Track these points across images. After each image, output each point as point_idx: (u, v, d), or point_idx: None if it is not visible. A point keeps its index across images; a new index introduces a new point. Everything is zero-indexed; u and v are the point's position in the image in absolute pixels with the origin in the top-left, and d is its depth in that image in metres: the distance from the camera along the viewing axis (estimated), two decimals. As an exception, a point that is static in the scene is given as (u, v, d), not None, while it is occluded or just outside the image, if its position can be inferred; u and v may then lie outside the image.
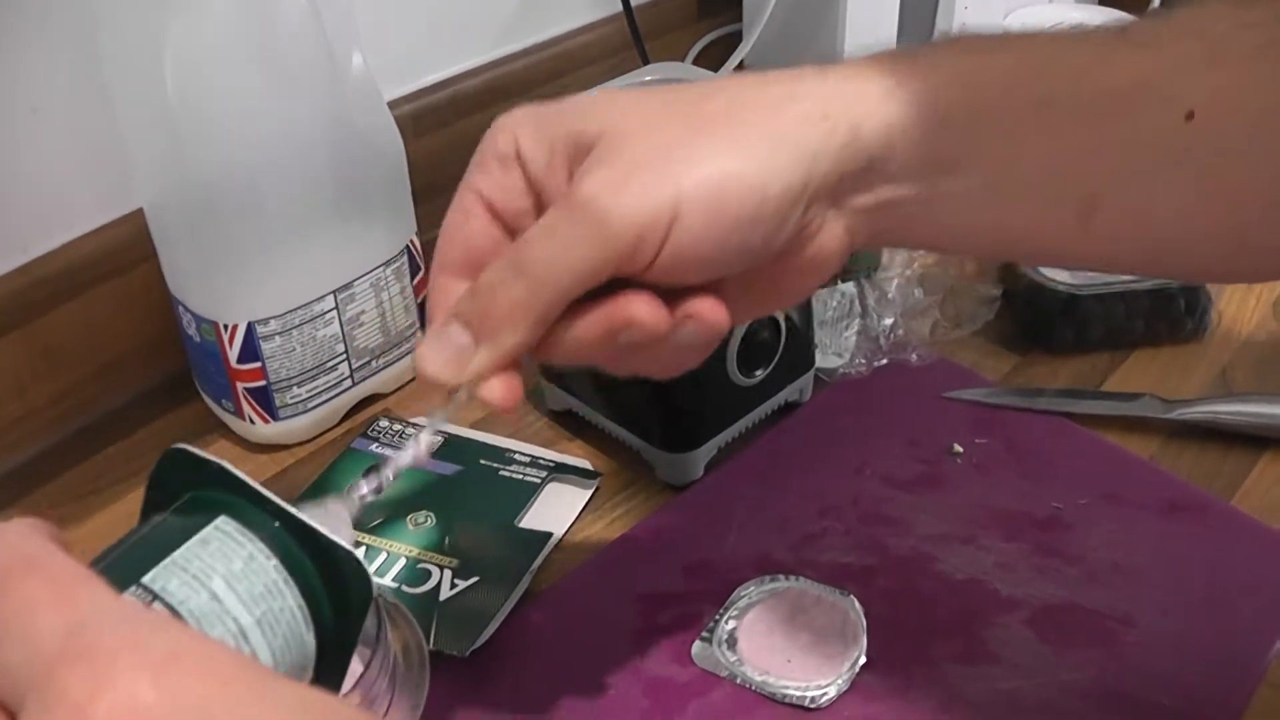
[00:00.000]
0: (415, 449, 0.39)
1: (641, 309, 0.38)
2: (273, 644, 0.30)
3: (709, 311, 0.39)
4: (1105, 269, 0.64)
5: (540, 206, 0.40)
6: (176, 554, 0.29)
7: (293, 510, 0.31)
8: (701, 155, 0.37)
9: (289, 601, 0.30)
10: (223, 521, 0.31)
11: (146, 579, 0.28)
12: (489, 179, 0.40)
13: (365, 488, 0.38)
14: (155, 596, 0.28)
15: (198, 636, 0.26)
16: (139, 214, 0.63)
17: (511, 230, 0.41)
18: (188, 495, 0.32)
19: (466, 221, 0.41)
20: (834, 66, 0.40)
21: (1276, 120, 0.38)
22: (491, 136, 0.41)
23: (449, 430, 0.64)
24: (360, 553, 0.31)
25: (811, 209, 0.39)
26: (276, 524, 0.31)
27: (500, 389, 0.39)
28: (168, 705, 0.23)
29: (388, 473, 0.38)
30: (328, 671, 0.32)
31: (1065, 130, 0.39)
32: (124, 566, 0.29)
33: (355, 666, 0.43)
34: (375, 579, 0.33)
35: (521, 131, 0.40)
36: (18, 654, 0.24)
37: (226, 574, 0.29)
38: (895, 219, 0.41)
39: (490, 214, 0.41)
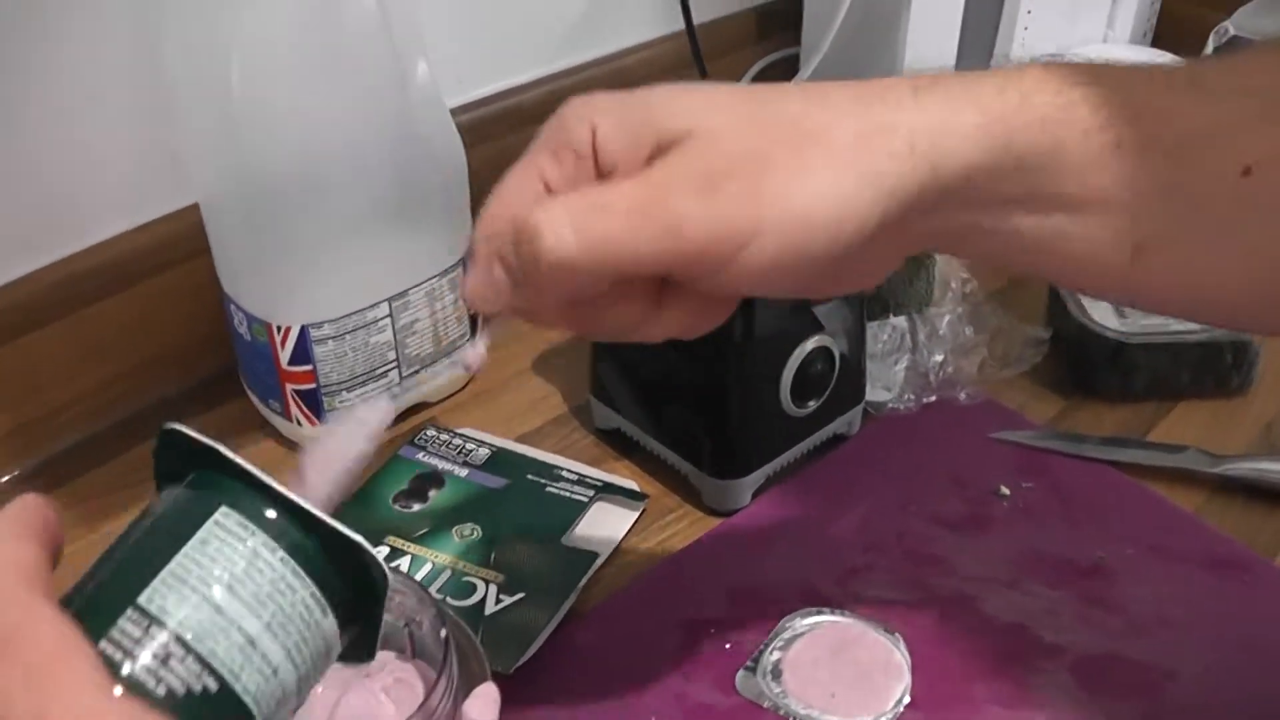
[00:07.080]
0: (467, 354, 0.41)
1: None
2: (285, 644, 0.29)
3: None
4: (1143, 308, 0.63)
5: None
6: (174, 562, 0.29)
7: (294, 497, 0.30)
8: (792, 181, 0.37)
9: (300, 594, 0.30)
10: (222, 515, 0.30)
11: (143, 599, 0.28)
12: (558, 170, 0.39)
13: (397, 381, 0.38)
14: (152, 620, 0.28)
15: None
16: (194, 209, 0.63)
17: None
18: (192, 474, 0.31)
19: (522, 196, 0.39)
20: (929, 89, 0.39)
21: None
22: (567, 124, 0.39)
23: (496, 443, 0.64)
24: (377, 546, 0.31)
25: (878, 239, 0.39)
26: (277, 515, 0.30)
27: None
28: None
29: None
30: (355, 647, 0.32)
31: (1133, 175, 0.39)
32: (120, 583, 0.29)
33: (417, 688, 0.43)
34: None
35: (602, 122, 0.39)
36: None
37: (229, 579, 0.29)
38: (955, 238, 0.42)
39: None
